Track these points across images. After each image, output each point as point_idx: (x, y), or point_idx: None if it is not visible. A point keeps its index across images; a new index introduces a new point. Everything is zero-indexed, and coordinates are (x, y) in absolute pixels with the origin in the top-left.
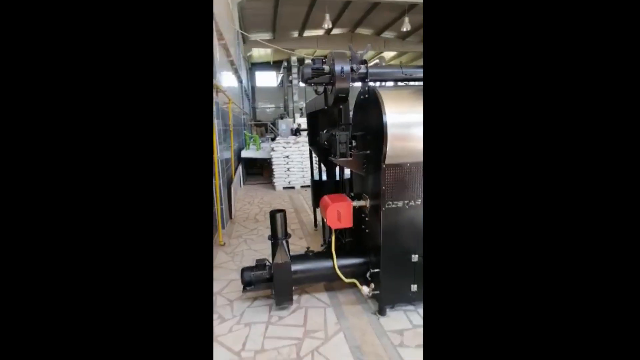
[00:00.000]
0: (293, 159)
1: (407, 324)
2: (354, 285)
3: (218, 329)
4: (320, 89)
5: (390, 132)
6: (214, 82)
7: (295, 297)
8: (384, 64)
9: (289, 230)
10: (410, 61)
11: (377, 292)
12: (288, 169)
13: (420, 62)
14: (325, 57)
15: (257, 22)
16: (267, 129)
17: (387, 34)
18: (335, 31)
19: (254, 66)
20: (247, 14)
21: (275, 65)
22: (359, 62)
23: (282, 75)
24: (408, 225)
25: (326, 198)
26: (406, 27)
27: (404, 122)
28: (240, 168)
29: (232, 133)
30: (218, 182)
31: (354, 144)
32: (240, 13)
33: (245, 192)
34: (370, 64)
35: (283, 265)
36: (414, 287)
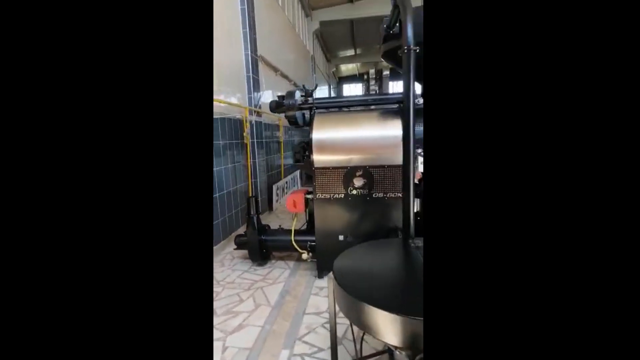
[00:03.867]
0: None
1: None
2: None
3: (217, 270)
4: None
5: (315, 145)
6: (256, 107)
7: (273, 261)
8: None
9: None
10: None
11: (315, 260)
12: None
13: None
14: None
15: (338, 42)
16: None
17: None
18: None
19: (342, 80)
20: (327, 36)
21: (361, 77)
22: (307, 95)
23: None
24: (335, 212)
25: (292, 192)
26: None
27: (326, 137)
28: (297, 173)
29: (282, 145)
30: (250, 180)
31: (307, 153)
32: (320, 37)
33: None
34: None
35: (252, 233)
36: None
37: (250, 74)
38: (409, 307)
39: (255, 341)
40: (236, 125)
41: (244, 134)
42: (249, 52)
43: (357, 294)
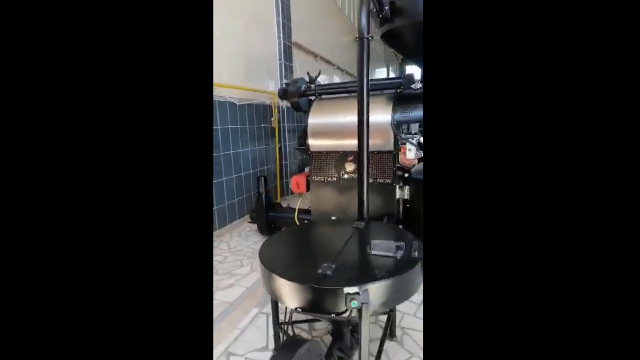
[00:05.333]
0: None
1: None
2: None
3: (232, 239)
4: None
5: (310, 130)
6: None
7: None
8: None
9: None
10: None
11: None
12: None
13: None
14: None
15: None
16: None
17: None
18: None
19: (405, 60)
20: None
21: None
22: (310, 83)
23: None
24: (328, 193)
25: (297, 174)
26: None
27: (320, 123)
28: None
29: None
30: (278, 163)
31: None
32: None
33: None
34: None
35: (260, 209)
36: None
37: (282, 61)
38: (300, 275)
39: (236, 298)
40: (265, 110)
41: (272, 119)
42: (282, 40)
43: (266, 264)
